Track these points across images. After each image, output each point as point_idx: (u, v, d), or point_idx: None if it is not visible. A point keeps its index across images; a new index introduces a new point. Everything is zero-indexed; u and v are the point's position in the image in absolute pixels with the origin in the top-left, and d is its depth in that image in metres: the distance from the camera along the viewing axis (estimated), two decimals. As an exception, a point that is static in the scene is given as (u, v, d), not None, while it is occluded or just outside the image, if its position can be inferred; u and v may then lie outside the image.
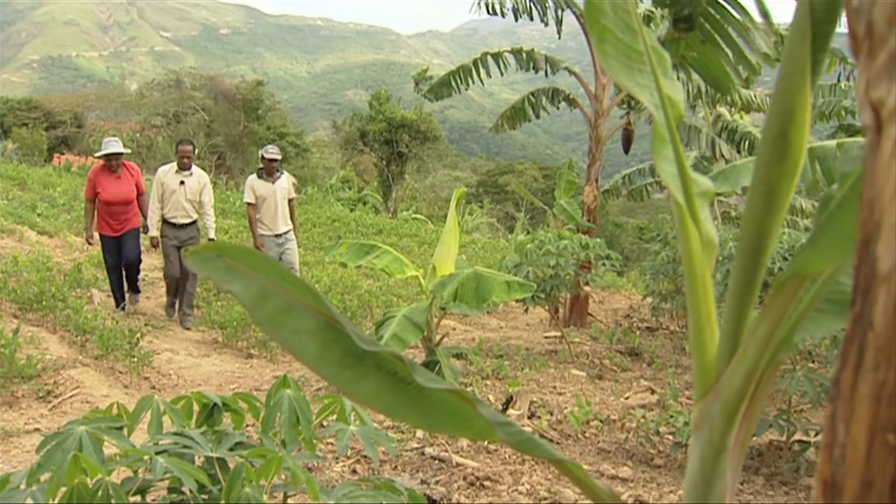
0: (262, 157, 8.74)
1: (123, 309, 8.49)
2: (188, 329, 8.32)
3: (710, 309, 1.16)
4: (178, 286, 8.54)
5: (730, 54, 6.15)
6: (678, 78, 9.35)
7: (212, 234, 8.73)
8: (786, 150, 1.05)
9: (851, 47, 0.74)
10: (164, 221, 8.32)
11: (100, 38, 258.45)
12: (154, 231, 8.32)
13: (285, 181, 8.84)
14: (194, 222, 8.52)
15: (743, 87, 8.33)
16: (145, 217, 8.49)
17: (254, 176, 8.78)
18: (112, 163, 8.29)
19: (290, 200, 8.89)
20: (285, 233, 8.78)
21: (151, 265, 10.51)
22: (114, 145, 8.35)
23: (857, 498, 0.66)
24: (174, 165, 8.42)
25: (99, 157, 8.54)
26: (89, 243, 8.91)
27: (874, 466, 0.64)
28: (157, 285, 9.79)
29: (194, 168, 8.55)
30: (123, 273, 8.59)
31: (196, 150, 8.16)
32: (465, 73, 10.43)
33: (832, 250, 0.94)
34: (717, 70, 6.43)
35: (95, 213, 8.44)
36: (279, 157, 8.79)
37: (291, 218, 8.95)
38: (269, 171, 8.68)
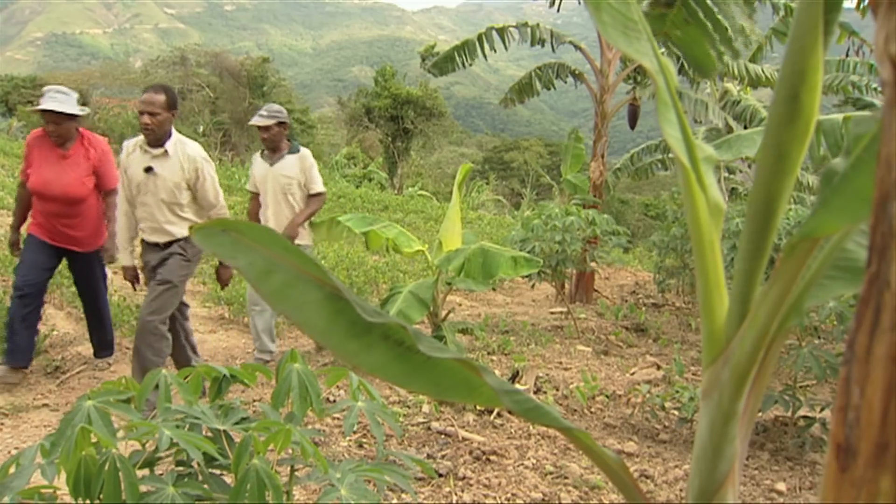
0: None
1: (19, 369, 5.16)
2: None
3: (718, 273, 1.15)
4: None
5: (714, 35, 6.08)
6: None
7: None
8: (797, 111, 1.03)
9: (870, 2, 0.72)
10: (144, 241, 5.01)
11: (104, 14, 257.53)
12: (125, 256, 5.02)
13: (293, 165, 5.71)
14: (173, 241, 4.87)
15: (722, 70, 8.27)
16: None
17: (259, 152, 5.96)
18: (49, 129, 4.97)
19: (312, 196, 5.78)
20: None
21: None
22: (55, 99, 4.94)
23: (872, 460, 0.65)
24: (141, 137, 4.83)
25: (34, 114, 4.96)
26: (12, 251, 5.45)
27: (889, 428, 0.63)
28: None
29: (176, 140, 4.84)
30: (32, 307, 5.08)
31: (174, 104, 4.81)
32: (470, 48, 10.32)
33: (845, 212, 0.92)
34: (699, 51, 6.33)
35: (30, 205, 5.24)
36: (266, 124, 5.65)
37: (304, 223, 5.75)
38: (266, 144, 5.79)
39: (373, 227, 5.77)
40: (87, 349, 5.84)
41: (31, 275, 5.06)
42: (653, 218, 23.99)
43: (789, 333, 1.30)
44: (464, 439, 4.13)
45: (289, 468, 1.93)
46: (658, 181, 26.09)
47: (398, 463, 3.28)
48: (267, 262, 1.17)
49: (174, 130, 4.86)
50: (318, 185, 5.79)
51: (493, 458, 3.90)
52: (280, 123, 5.68)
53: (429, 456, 3.88)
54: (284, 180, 5.66)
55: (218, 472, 1.83)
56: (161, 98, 4.72)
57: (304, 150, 5.78)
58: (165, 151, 4.76)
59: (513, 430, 4.37)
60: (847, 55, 12.00)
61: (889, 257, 0.64)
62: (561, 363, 6.20)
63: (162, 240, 4.86)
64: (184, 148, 4.83)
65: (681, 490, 3.74)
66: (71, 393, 5.11)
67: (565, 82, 10.78)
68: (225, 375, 2.00)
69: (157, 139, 4.75)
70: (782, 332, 1.07)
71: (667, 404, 4.83)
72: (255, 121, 5.67)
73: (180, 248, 4.88)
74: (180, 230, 4.87)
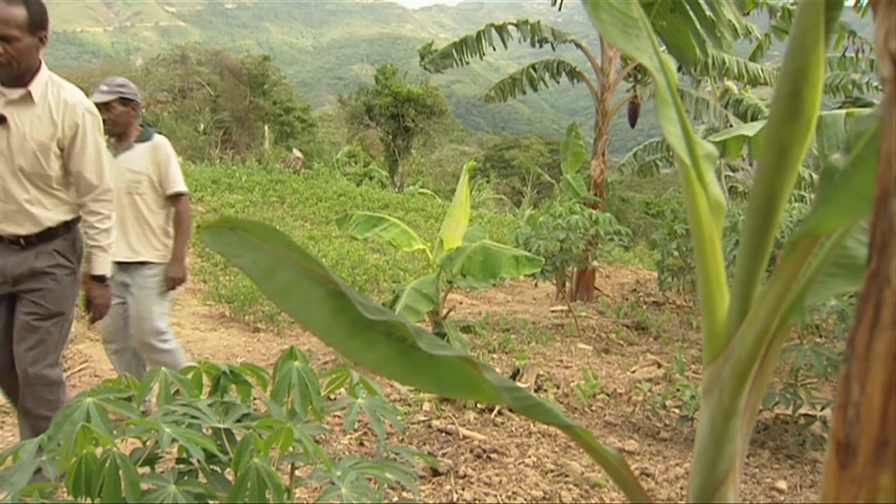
0: None
1: None
2: None
3: (719, 271, 1.15)
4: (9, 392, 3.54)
5: (697, 25, 6.07)
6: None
7: (100, 267, 3.47)
8: (798, 108, 1.03)
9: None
10: None
11: (104, 13, 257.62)
12: None
13: (142, 157, 4.29)
14: (46, 233, 3.23)
15: (704, 59, 8.25)
16: None
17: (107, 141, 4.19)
18: None
19: (170, 198, 4.34)
20: (131, 264, 4.28)
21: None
22: None
23: (872, 458, 0.65)
24: None
25: None
26: None
27: (889, 425, 0.63)
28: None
29: (47, 80, 3.17)
30: None
31: (40, 24, 3.04)
32: (468, 45, 10.30)
33: (846, 209, 0.92)
34: (684, 41, 6.34)
35: None
36: (105, 100, 4.13)
37: (174, 236, 4.37)
38: (108, 129, 4.18)
39: (375, 229, 5.77)
40: (87, 348, 5.84)
41: None
42: (653, 216, 24.01)
43: (790, 331, 1.30)
44: (464, 437, 4.13)
45: (289, 466, 1.93)
46: (658, 180, 26.11)
47: (399, 460, 3.28)
48: (271, 259, 1.18)
49: (44, 67, 3.20)
50: (178, 185, 4.34)
51: (493, 456, 3.90)
52: (124, 100, 4.21)
53: (430, 454, 3.88)
54: (130, 175, 4.23)
55: (219, 470, 1.83)
56: (18, 13, 2.98)
57: (159, 139, 4.36)
58: (29, 94, 3.11)
59: (513, 429, 4.37)
60: (844, 55, 11.98)
61: (889, 254, 0.64)
62: (562, 361, 6.20)
63: (24, 230, 3.19)
64: (59, 91, 3.19)
65: (681, 488, 3.74)
66: (72, 391, 5.10)
67: (558, 82, 10.76)
68: (225, 373, 2.00)
69: (16, 76, 3.09)
70: (783, 329, 1.07)
71: (667, 402, 4.83)
72: (95, 97, 4.06)
73: (59, 252, 3.29)
74: (54, 215, 3.25)
